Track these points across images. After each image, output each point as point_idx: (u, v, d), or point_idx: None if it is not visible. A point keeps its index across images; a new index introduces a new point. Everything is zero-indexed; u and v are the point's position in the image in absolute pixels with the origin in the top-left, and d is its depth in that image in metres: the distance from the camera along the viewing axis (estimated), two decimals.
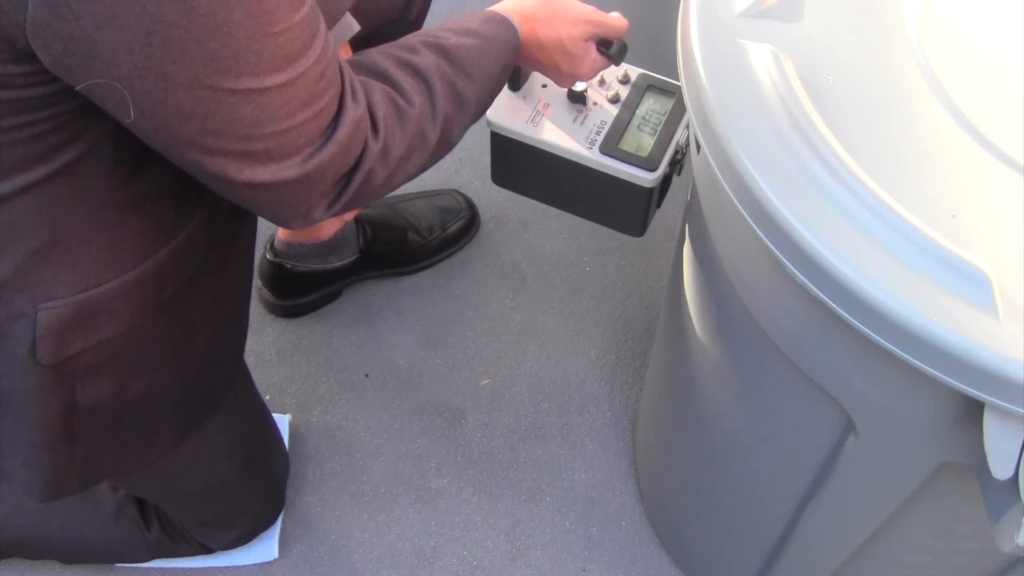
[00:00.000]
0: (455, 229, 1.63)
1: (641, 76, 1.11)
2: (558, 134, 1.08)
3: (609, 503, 1.45)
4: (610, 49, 1.01)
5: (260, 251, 1.54)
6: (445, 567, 1.40)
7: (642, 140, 1.07)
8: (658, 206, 1.13)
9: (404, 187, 0.89)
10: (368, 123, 0.79)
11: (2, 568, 1.37)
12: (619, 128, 1.08)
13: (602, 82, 1.11)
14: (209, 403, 1.06)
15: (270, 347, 1.57)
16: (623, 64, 1.09)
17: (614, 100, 1.10)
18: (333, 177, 0.77)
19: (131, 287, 0.84)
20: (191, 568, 1.38)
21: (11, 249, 0.78)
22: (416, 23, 1.28)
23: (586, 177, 1.08)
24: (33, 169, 0.73)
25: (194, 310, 0.93)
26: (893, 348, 0.69)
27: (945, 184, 0.73)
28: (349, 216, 1.52)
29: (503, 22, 0.93)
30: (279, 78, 0.68)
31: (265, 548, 1.39)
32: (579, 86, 1.08)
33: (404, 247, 1.60)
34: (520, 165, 1.13)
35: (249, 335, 1.10)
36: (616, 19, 1.01)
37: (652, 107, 1.09)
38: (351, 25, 0.98)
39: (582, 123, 1.09)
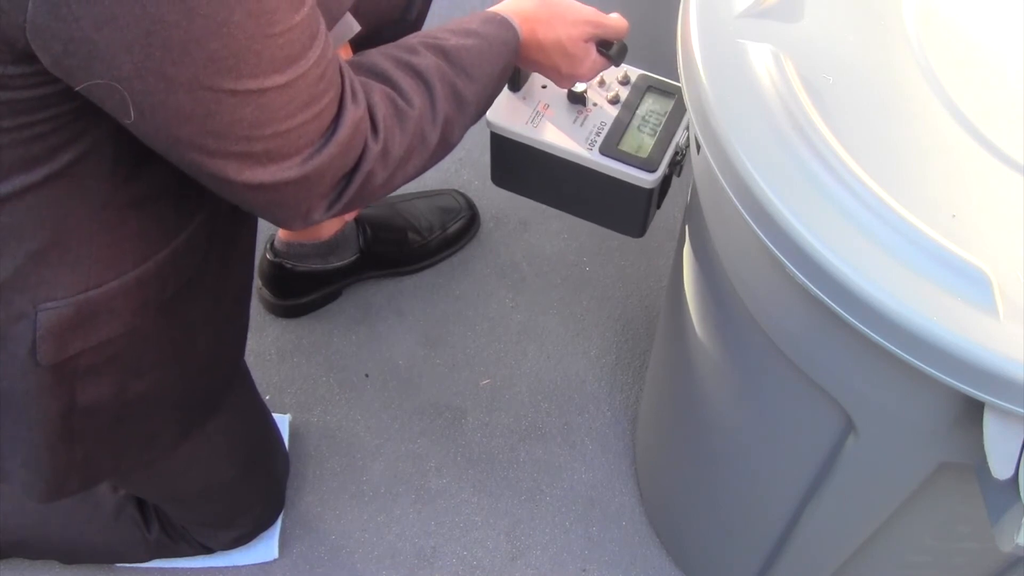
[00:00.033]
0: (455, 229, 1.63)
1: (641, 77, 1.11)
2: (558, 135, 1.08)
3: (609, 503, 1.45)
4: (610, 50, 1.01)
5: (260, 251, 1.54)
6: (445, 567, 1.40)
7: (642, 141, 1.07)
8: (658, 207, 1.13)
9: (404, 187, 0.89)
10: (368, 124, 0.79)
11: (2, 568, 1.37)
12: (619, 129, 1.08)
13: (602, 83, 1.11)
14: (209, 403, 1.06)
15: (270, 347, 1.57)
16: (623, 65, 1.09)
17: (614, 101, 1.10)
18: (333, 178, 0.77)
19: (132, 288, 0.84)
20: (191, 568, 1.38)
21: (11, 250, 0.78)
22: (416, 23, 1.28)
23: (586, 178, 1.08)
24: (33, 170, 0.73)
25: (194, 311, 0.93)
26: (893, 348, 0.69)
27: (945, 184, 0.73)
28: (349, 216, 1.52)
29: (503, 23, 0.93)
30: (279, 79, 0.68)
31: (265, 548, 1.39)
32: (579, 87, 1.08)
33: (404, 247, 1.60)
34: (520, 166, 1.13)
35: (249, 335, 1.10)
36: (616, 20, 1.01)
37: (652, 108, 1.09)
38: (351, 25, 0.98)
39: (582, 124, 1.09)
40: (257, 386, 1.24)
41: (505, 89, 1.10)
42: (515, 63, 0.96)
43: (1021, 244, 0.70)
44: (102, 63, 0.63)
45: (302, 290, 1.57)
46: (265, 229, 1.53)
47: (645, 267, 1.65)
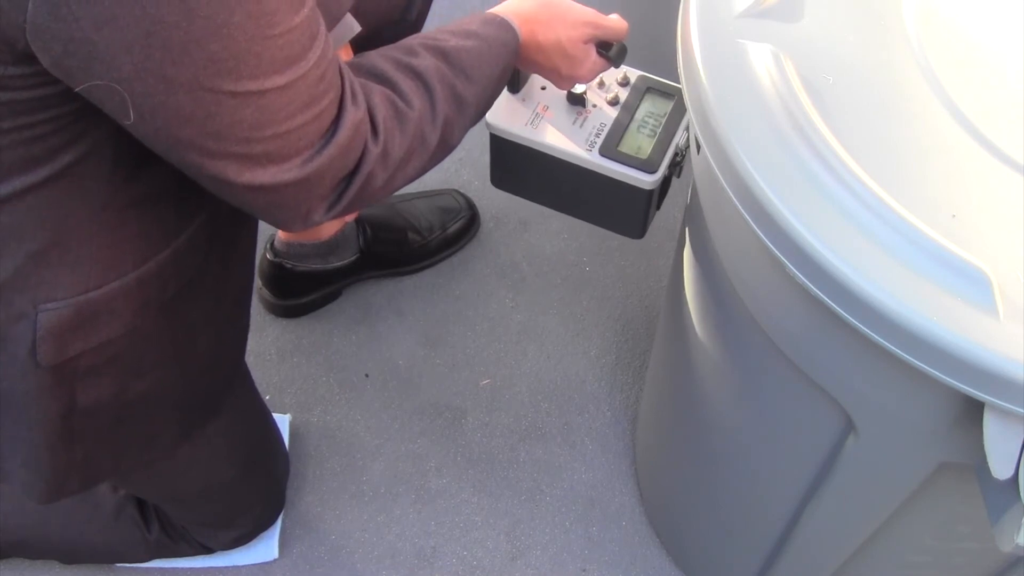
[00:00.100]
0: (455, 229, 1.63)
1: (640, 78, 1.11)
2: (557, 136, 1.08)
3: (609, 503, 1.45)
4: (609, 51, 1.01)
5: (260, 251, 1.54)
6: (445, 567, 1.40)
7: (641, 142, 1.07)
8: (658, 208, 1.13)
9: (404, 187, 0.90)
10: (368, 126, 0.79)
11: (2, 568, 1.37)
12: (618, 130, 1.08)
13: (601, 84, 1.11)
14: (209, 405, 1.06)
15: (270, 347, 1.57)
16: (622, 66, 1.09)
17: (613, 102, 1.10)
18: (333, 180, 0.77)
19: (132, 288, 0.84)
20: (191, 568, 1.38)
21: (11, 250, 0.78)
22: (416, 24, 1.28)
23: (586, 179, 1.08)
24: (33, 171, 0.73)
25: (195, 312, 0.93)
26: (893, 348, 0.69)
27: (945, 184, 0.73)
28: (349, 217, 1.52)
29: (503, 24, 0.93)
30: (279, 80, 0.68)
31: (265, 548, 1.39)
32: (578, 88, 1.08)
33: (404, 247, 1.60)
34: (519, 168, 1.13)
35: (249, 335, 1.10)
36: (616, 21, 1.01)
37: (651, 109, 1.09)
38: (352, 26, 0.98)
39: (581, 125, 1.09)
40: (257, 386, 1.24)
41: (504, 91, 1.10)
42: (515, 64, 0.96)
43: (1021, 244, 0.70)
44: (102, 64, 0.63)
45: (302, 290, 1.57)
46: (265, 229, 1.53)
47: (645, 267, 1.65)
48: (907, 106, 0.77)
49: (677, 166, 1.08)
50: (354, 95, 0.77)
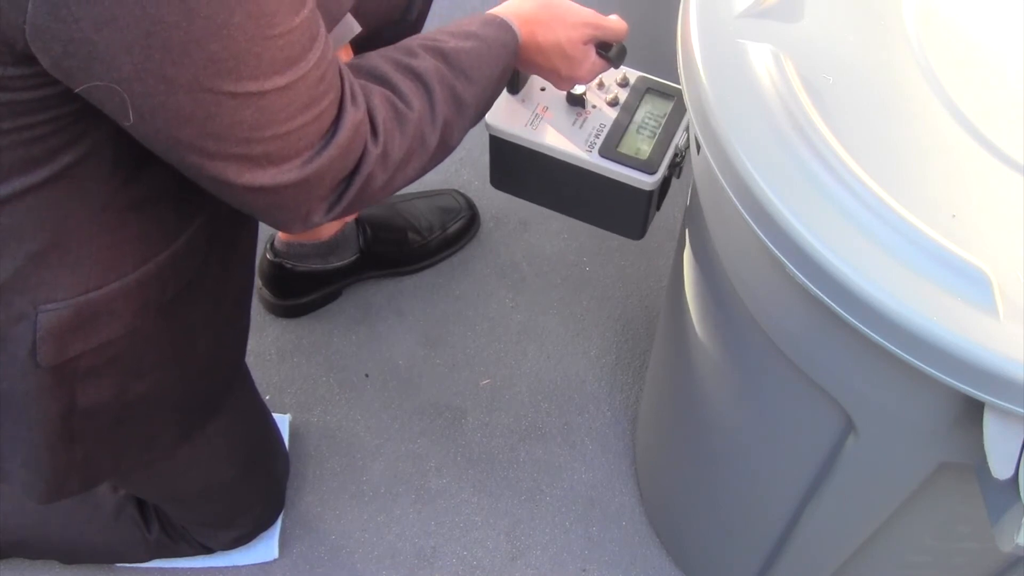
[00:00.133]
0: (455, 229, 1.63)
1: (640, 79, 1.11)
2: (557, 137, 1.08)
3: (609, 503, 1.45)
4: (609, 52, 1.01)
5: (260, 251, 1.54)
6: (445, 567, 1.40)
7: (641, 143, 1.07)
8: (657, 208, 1.13)
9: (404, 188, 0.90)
10: (368, 127, 0.79)
11: (2, 568, 1.37)
12: (618, 131, 1.08)
13: (601, 85, 1.11)
14: (209, 405, 1.06)
15: (270, 347, 1.57)
16: (622, 67, 1.09)
17: (613, 103, 1.10)
18: (332, 181, 0.77)
19: (132, 289, 0.84)
20: (191, 568, 1.38)
21: (11, 251, 0.78)
22: (416, 24, 1.28)
23: (585, 180, 1.08)
24: (33, 172, 0.73)
25: (195, 313, 0.93)
26: (893, 348, 0.69)
27: (945, 184, 0.73)
28: (349, 217, 1.52)
29: (502, 25, 0.92)
30: (279, 81, 0.68)
31: (265, 548, 1.39)
32: (578, 89, 1.08)
33: (404, 247, 1.60)
34: (519, 169, 1.13)
35: (249, 335, 1.10)
36: (615, 22, 1.01)
37: (651, 110, 1.09)
38: (352, 26, 0.98)
39: (581, 126, 1.08)
40: (257, 386, 1.24)
41: (504, 92, 1.10)
42: (514, 65, 0.96)
43: (1021, 244, 0.70)
44: (102, 64, 0.63)
45: (302, 290, 1.57)
46: (265, 229, 1.53)
47: (645, 267, 1.65)
48: (907, 106, 0.77)
49: (677, 167, 1.08)
50: (354, 96, 0.77)
